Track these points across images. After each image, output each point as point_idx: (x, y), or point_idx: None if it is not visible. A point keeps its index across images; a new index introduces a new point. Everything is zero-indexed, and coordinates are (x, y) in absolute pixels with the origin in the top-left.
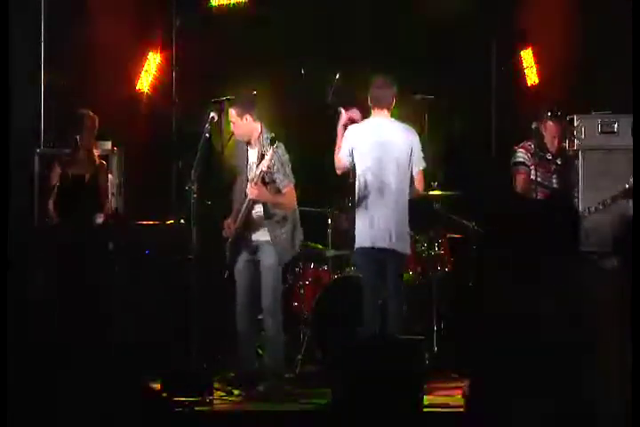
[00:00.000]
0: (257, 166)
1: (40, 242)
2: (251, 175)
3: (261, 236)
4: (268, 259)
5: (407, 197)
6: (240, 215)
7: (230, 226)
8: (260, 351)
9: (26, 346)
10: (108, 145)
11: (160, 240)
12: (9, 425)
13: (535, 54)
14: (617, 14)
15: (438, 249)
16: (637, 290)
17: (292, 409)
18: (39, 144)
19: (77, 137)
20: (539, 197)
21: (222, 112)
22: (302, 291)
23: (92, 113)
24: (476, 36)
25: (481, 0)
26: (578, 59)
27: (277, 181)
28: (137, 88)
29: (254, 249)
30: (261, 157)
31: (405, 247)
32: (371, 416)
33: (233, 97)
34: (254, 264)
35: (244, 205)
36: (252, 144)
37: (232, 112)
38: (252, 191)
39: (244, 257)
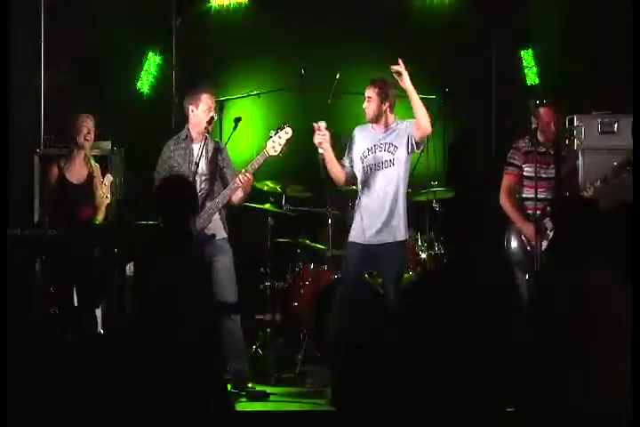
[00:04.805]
0: (209, 162)
1: (39, 242)
2: (194, 169)
3: (221, 234)
4: (225, 257)
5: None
6: (206, 216)
7: None
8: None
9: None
10: (108, 145)
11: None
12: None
13: (535, 54)
14: (617, 14)
15: (438, 249)
16: (637, 290)
17: (292, 409)
18: (39, 144)
19: (76, 139)
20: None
21: (222, 112)
22: (302, 291)
23: (88, 115)
24: (476, 35)
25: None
26: (578, 59)
27: (228, 177)
28: (137, 88)
29: (211, 250)
30: (214, 151)
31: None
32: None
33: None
34: (210, 265)
35: (217, 206)
36: (198, 139)
37: (212, 102)
38: (240, 195)
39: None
